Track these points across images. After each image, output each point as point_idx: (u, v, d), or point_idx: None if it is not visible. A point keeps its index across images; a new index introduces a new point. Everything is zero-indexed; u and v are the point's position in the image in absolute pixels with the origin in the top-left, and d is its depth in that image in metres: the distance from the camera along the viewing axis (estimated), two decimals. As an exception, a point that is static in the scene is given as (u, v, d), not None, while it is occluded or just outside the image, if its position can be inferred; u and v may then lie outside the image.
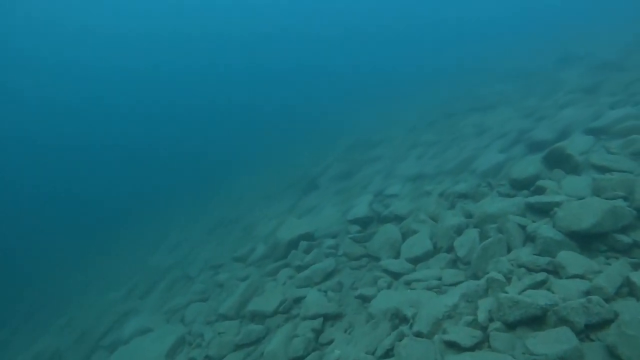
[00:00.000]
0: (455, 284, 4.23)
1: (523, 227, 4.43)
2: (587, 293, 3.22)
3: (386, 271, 5.14)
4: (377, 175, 9.30)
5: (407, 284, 4.64)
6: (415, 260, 5.08)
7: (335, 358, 4.00)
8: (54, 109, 40.62)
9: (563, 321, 3.00)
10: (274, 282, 6.45)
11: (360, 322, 4.53)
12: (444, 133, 10.94)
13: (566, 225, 3.94)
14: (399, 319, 4.02)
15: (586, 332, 2.95)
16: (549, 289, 3.42)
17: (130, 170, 32.79)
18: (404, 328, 3.77)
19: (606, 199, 4.22)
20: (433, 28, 39.62)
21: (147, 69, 45.01)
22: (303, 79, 40.53)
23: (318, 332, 4.64)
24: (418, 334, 3.55)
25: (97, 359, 7.48)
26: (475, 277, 4.19)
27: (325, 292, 5.44)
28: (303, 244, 6.91)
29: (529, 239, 4.29)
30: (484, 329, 3.31)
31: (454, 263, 4.69)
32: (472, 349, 3.16)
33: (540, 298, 3.20)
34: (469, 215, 5.36)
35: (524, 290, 3.44)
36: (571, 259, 3.64)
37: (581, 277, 3.46)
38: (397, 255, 5.44)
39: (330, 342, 4.41)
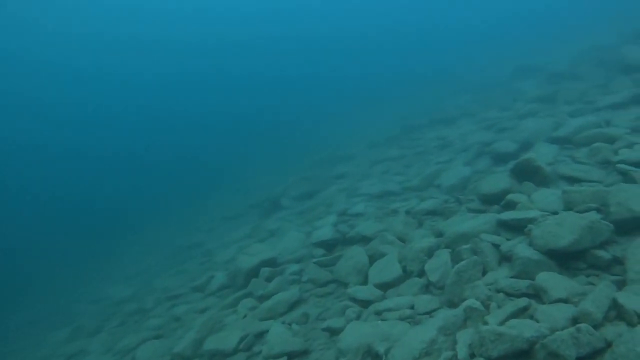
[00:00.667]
0: (429, 312, 3.88)
1: (497, 246, 4.16)
2: (574, 320, 2.94)
3: (354, 299, 4.74)
4: (341, 194, 8.98)
5: (378, 313, 4.25)
6: (385, 286, 4.71)
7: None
8: (44, 110, 38.94)
9: (553, 356, 2.68)
10: (234, 314, 5.91)
11: (329, 360, 4.08)
12: (407, 147, 10.81)
13: (544, 243, 3.68)
14: (371, 356, 3.61)
15: (578, 365, 2.65)
16: (532, 317, 3.12)
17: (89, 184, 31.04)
18: (377, 368, 3.37)
19: (579, 212, 4.05)
20: (394, 39, 40.25)
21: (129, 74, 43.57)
22: (270, 90, 40.02)
23: (283, 374, 4.16)
24: (393, 376, 3.16)
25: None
26: (451, 303, 3.86)
27: (290, 324, 4.97)
28: (265, 270, 6.42)
29: (505, 258, 4.02)
30: (465, 367, 2.95)
31: (426, 288, 4.34)
32: (454, 392, 2.80)
33: (526, 329, 2.87)
34: (439, 234, 5.07)
35: (505, 320, 3.12)
36: (552, 280, 3.37)
37: (565, 301, 3.18)
38: (365, 281, 5.06)
39: (297, 385, 3.94)
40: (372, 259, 5.34)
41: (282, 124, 26.02)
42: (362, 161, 11.47)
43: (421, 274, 4.57)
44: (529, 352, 2.80)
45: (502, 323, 3.09)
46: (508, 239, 4.24)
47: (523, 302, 3.27)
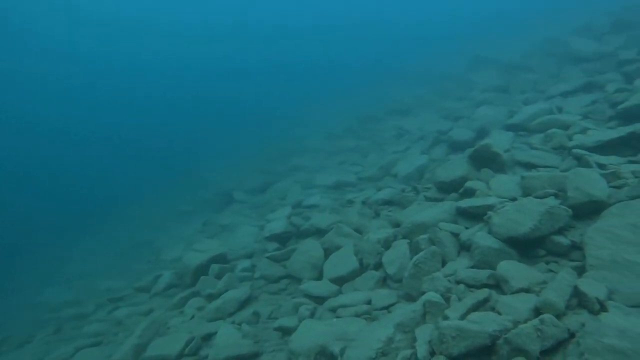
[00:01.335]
0: (387, 307, 3.64)
1: (456, 235, 3.98)
2: (537, 310, 2.76)
3: (308, 296, 4.44)
4: (297, 186, 8.65)
5: (333, 310, 3.97)
6: (341, 281, 4.44)
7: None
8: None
9: (517, 351, 2.48)
10: (181, 316, 5.48)
11: (280, 363, 3.76)
12: (364, 138, 10.61)
13: (504, 231, 3.51)
14: (325, 357, 3.32)
15: (541, 358, 2.47)
16: (494, 309, 2.93)
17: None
18: (330, 371, 3.08)
19: (537, 197, 3.93)
20: (352, 29, 39.87)
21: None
22: (233, 80, 38.53)
23: (230, 380, 3.80)
24: (348, 379, 2.87)
25: None
26: (410, 297, 3.63)
27: (240, 325, 4.61)
28: (214, 267, 5.99)
29: (464, 247, 3.84)
30: (425, 366, 2.71)
31: (383, 282, 4.10)
32: (413, 395, 2.55)
33: (488, 323, 2.66)
34: (396, 225, 4.85)
35: (467, 313, 2.91)
36: (513, 269, 3.20)
37: (527, 290, 3.02)
38: (319, 275, 4.77)
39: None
40: (328, 252, 5.06)
41: (243, 116, 25.08)
42: (319, 153, 11.17)
43: (378, 266, 4.33)
44: (492, 347, 2.59)
45: (463, 317, 2.88)
46: (467, 228, 4.07)
47: (484, 293, 3.07)
